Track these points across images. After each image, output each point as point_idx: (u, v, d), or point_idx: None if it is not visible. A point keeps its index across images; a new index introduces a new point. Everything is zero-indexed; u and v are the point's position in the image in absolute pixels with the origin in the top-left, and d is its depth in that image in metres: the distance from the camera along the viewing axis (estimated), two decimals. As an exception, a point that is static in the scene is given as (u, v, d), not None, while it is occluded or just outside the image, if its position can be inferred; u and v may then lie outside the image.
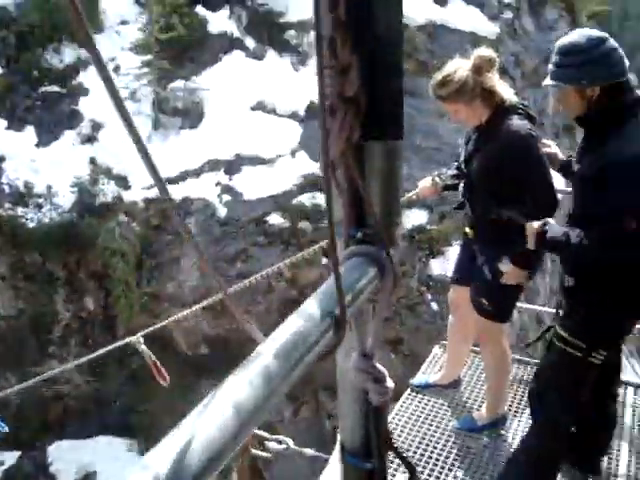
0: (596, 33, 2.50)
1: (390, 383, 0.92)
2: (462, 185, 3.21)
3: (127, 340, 3.19)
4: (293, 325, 0.72)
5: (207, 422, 0.57)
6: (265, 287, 8.03)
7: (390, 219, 0.95)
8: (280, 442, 1.73)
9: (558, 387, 2.77)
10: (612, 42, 2.48)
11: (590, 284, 2.58)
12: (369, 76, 0.83)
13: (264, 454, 1.69)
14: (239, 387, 0.62)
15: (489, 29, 9.90)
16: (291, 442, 1.72)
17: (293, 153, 8.50)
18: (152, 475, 0.49)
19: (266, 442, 1.72)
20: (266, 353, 0.67)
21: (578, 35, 2.51)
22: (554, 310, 2.95)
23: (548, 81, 2.58)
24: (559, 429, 2.82)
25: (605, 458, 3.30)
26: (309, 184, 8.33)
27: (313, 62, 9.25)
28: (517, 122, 2.92)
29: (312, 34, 9.31)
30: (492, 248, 3.13)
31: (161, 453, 0.52)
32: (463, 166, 3.19)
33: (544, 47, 10.52)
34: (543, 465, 2.91)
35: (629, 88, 2.48)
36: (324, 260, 7.97)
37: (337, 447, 1.11)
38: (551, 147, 3.14)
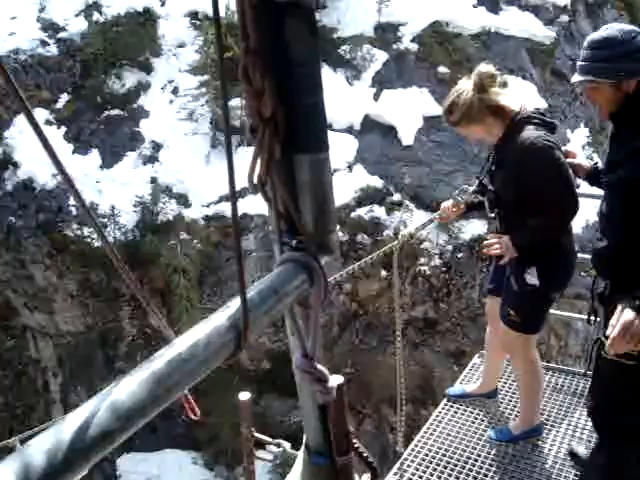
0: (628, 27, 2.46)
1: (333, 383, 0.96)
2: (486, 201, 3.18)
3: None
4: (200, 330, 0.77)
5: (82, 418, 0.60)
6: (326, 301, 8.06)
7: (323, 227, 0.99)
8: (278, 445, 1.79)
9: (619, 398, 2.70)
10: None
11: (627, 287, 2.43)
12: (286, 97, 0.88)
13: (266, 457, 1.74)
14: (126, 387, 0.64)
15: (545, 34, 9.74)
16: (288, 446, 1.77)
17: (350, 167, 8.54)
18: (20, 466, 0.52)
19: (267, 445, 1.79)
20: (167, 355, 0.70)
21: (611, 29, 2.45)
22: (585, 317, 2.88)
23: (579, 77, 2.52)
24: (632, 436, 2.74)
25: None
26: (366, 197, 8.35)
27: (367, 76, 9.29)
28: (531, 133, 2.86)
29: (365, 48, 9.38)
30: (518, 260, 3.09)
31: (36, 446, 0.55)
32: (488, 182, 3.16)
33: (603, 50, 10.30)
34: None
35: None
36: (383, 273, 7.96)
37: (303, 445, 1.14)
38: (576, 156, 3.10)
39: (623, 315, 2.26)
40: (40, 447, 0.55)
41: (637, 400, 2.64)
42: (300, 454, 1.13)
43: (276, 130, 0.87)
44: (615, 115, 2.49)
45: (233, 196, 0.81)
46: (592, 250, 2.69)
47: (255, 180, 0.91)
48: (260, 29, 0.84)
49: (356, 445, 1.07)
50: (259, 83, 0.84)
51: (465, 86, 2.97)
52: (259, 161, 0.89)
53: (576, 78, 2.52)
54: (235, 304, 0.83)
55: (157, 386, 0.66)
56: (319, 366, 0.93)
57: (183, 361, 0.70)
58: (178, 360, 0.70)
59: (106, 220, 8.45)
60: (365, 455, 1.08)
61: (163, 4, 10.08)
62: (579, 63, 2.52)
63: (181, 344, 0.72)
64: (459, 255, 8.11)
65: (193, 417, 1.06)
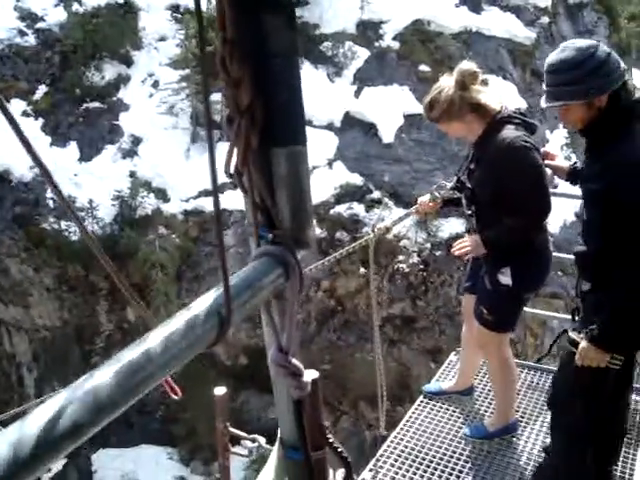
0: (585, 42, 2.46)
1: (307, 378, 0.95)
2: (464, 198, 3.19)
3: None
4: (182, 318, 0.76)
5: (52, 410, 0.59)
6: (303, 297, 8.07)
7: (300, 221, 0.99)
8: (254, 441, 1.77)
9: (578, 394, 2.74)
10: (603, 47, 2.43)
11: (606, 287, 2.53)
12: (263, 88, 0.88)
13: (241, 452, 1.74)
14: (99, 378, 0.63)
15: (525, 35, 9.82)
16: (263, 441, 1.76)
17: (330, 164, 8.54)
18: None
19: (242, 441, 1.77)
20: (149, 341, 0.70)
21: (569, 50, 2.45)
22: (569, 316, 2.93)
23: (548, 103, 2.53)
24: (584, 435, 2.78)
25: (619, 466, 3.26)
26: (346, 194, 8.36)
27: (348, 73, 9.30)
28: (510, 133, 2.87)
29: (347, 45, 9.38)
30: (492, 259, 3.11)
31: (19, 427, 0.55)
32: (465, 179, 3.17)
33: (582, 51, 10.40)
34: (572, 472, 2.88)
35: (628, 89, 2.45)
36: (362, 270, 7.98)
37: (277, 440, 1.14)
38: (555, 158, 3.14)
39: (581, 344, 2.59)
40: (5, 439, 0.54)
41: (593, 405, 2.68)
42: (275, 449, 1.12)
43: (253, 121, 0.87)
44: (588, 131, 2.52)
45: (214, 182, 0.80)
46: (574, 252, 2.73)
47: (232, 170, 0.90)
48: (238, 20, 0.83)
49: (331, 440, 1.07)
50: (237, 73, 0.84)
51: (446, 83, 2.98)
52: (236, 151, 0.89)
53: (547, 104, 2.52)
54: (212, 294, 0.82)
55: (132, 377, 0.66)
56: (294, 360, 0.93)
57: (162, 350, 0.70)
58: (157, 348, 0.69)
59: (84, 214, 8.37)
60: (340, 450, 1.08)
61: (144, -4, 10.00)
62: (546, 89, 2.52)
63: (160, 333, 0.71)
64: (437, 253, 8.15)
65: (174, 397, 1.05)
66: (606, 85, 2.40)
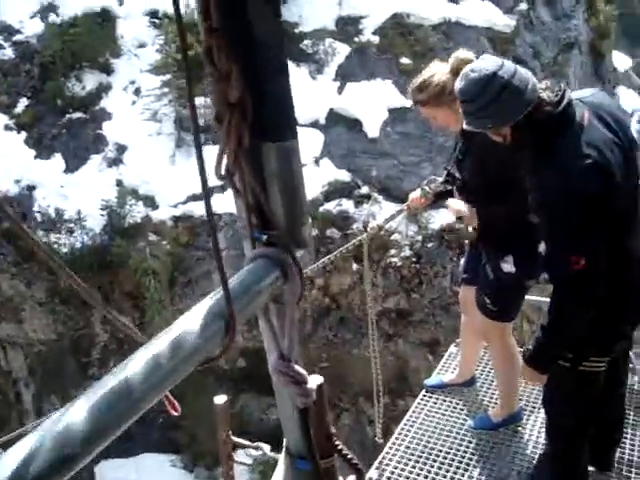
0: (484, 71, 2.29)
1: (312, 384, 0.90)
2: (455, 190, 3.17)
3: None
4: (183, 326, 0.73)
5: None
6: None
7: (295, 220, 0.94)
8: (257, 449, 1.72)
9: (561, 396, 2.73)
10: (504, 73, 2.26)
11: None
12: (252, 80, 0.82)
13: (245, 461, 1.70)
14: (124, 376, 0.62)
15: (505, 22, 9.82)
16: (267, 448, 1.71)
17: (317, 161, 8.52)
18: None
19: (246, 449, 1.73)
20: (152, 349, 0.67)
21: (466, 80, 2.34)
22: None
23: (465, 126, 2.46)
24: (571, 434, 2.78)
25: (627, 449, 3.27)
26: (334, 191, 8.34)
27: (330, 70, 9.27)
28: None
29: (327, 42, 9.35)
30: (494, 248, 3.10)
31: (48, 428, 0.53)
32: (455, 171, 3.15)
33: (562, 36, 10.41)
34: (568, 468, 2.88)
35: (543, 110, 2.29)
36: (355, 266, 7.97)
37: (283, 448, 1.09)
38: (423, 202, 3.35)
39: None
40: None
41: (577, 406, 2.67)
42: (281, 458, 1.08)
43: (244, 116, 0.82)
44: (516, 146, 2.41)
45: (204, 186, 0.77)
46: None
47: (222, 171, 0.85)
48: (224, 8, 0.78)
49: (339, 447, 1.03)
50: (225, 65, 0.78)
51: (440, 68, 2.94)
52: (227, 150, 0.83)
53: (468, 128, 2.46)
54: (207, 301, 0.80)
55: (127, 398, 0.64)
56: (297, 367, 0.88)
57: (162, 362, 0.67)
58: (156, 360, 0.67)
59: (73, 225, 8.31)
60: (349, 457, 1.03)
61: (122, 4, 9.92)
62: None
63: (164, 340, 0.69)
64: (429, 245, 8.15)
65: (174, 413, 1.00)
66: (499, 122, 2.32)
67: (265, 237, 0.91)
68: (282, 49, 0.87)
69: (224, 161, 0.84)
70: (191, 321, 0.75)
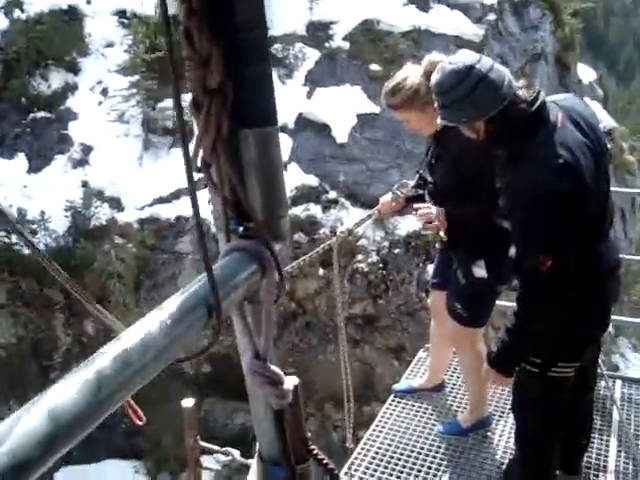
0: (461, 63, 2.29)
1: (288, 385, 0.87)
2: (427, 194, 3.16)
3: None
4: (160, 316, 0.70)
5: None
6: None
7: (273, 212, 0.90)
8: (226, 454, 1.68)
9: (530, 402, 2.74)
10: (481, 66, 2.26)
11: None
12: (233, 64, 0.79)
13: (213, 467, 1.66)
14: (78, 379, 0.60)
15: (474, 32, 9.93)
16: (237, 454, 1.67)
17: (285, 166, 8.50)
18: None
19: (214, 454, 1.68)
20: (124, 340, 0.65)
21: (443, 72, 2.33)
22: None
23: (444, 122, 2.44)
24: (541, 440, 2.80)
25: (594, 454, 3.30)
26: (302, 196, 8.33)
27: (299, 74, 9.27)
28: None
29: (297, 47, 9.35)
30: (465, 253, 3.10)
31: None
32: (427, 174, 3.15)
33: (529, 47, 10.57)
34: (537, 473, 2.89)
35: (518, 106, 2.29)
36: (321, 271, 7.95)
37: (256, 454, 1.06)
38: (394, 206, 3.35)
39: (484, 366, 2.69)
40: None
41: (545, 412, 2.69)
42: (254, 465, 1.05)
43: (224, 102, 0.77)
44: (488, 142, 2.41)
45: (190, 180, 0.74)
46: None
47: (199, 163, 0.81)
48: None
49: (315, 452, 1.00)
50: (205, 49, 0.73)
51: (413, 71, 2.92)
52: (205, 140, 0.79)
53: (439, 121, 2.45)
54: (187, 288, 0.77)
55: (95, 395, 0.61)
56: (272, 367, 0.84)
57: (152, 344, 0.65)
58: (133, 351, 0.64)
59: (35, 226, 8.15)
60: (325, 462, 1.00)
61: (89, 2, 9.78)
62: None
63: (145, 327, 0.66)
64: (396, 251, 8.18)
65: (139, 422, 0.95)
66: (473, 115, 2.31)
67: (241, 229, 0.87)
68: (264, 32, 0.84)
69: (200, 152, 0.80)
70: (169, 310, 0.72)
